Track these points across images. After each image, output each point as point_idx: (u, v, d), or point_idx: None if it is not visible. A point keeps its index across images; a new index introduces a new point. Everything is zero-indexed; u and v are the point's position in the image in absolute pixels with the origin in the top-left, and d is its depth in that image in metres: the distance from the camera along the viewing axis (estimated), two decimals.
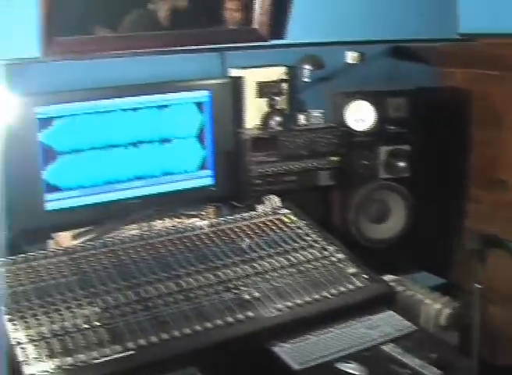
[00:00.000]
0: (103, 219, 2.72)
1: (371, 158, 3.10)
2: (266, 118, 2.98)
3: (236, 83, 2.95)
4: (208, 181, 2.91)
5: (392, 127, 3.12)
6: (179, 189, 2.86)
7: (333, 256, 2.48)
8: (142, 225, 2.71)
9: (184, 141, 2.84)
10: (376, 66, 3.27)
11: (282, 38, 3.02)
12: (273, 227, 2.63)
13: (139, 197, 2.78)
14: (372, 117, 3.09)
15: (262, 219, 2.68)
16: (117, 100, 2.69)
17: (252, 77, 2.98)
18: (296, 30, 3.06)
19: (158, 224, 2.73)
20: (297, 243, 2.54)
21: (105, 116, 2.67)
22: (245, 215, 2.71)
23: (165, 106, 2.78)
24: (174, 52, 2.87)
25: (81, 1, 2.62)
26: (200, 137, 2.87)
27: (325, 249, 2.52)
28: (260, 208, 2.79)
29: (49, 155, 2.59)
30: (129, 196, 2.76)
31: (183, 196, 2.86)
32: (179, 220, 2.76)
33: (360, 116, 3.08)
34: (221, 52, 2.98)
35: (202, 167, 2.89)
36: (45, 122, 2.57)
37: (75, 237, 2.65)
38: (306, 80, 2.94)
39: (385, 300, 2.36)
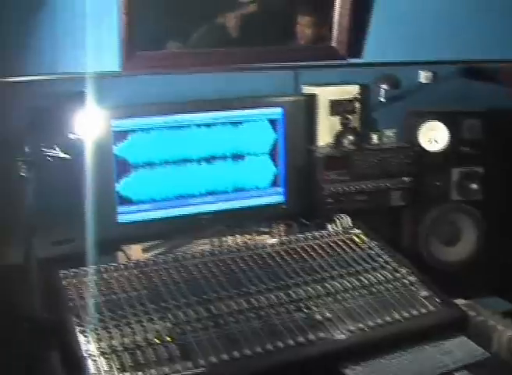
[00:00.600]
0: (174, 234, 2.72)
1: (444, 180, 3.06)
2: (339, 136, 2.96)
3: (309, 101, 2.94)
4: (279, 198, 2.90)
5: (465, 148, 3.08)
6: (250, 205, 2.85)
7: (405, 278, 2.43)
8: (213, 240, 2.70)
9: (256, 158, 2.84)
10: (449, 85, 3.23)
11: (359, 57, 2.99)
12: (344, 247, 2.60)
13: (210, 212, 2.79)
14: (445, 138, 3.05)
15: (333, 239, 2.66)
16: (192, 115, 2.70)
17: (325, 95, 2.97)
18: (370, 49, 3.06)
19: (229, 240, 2.71)
20: (369, 264, 2.50)
21: (179, 131, 2.68)
22: (316, 233, 2.69)
23: (239, 122, 2.78)
24: (249, 69, 2.89)
25: (157, 17, 2.65)
26: (272, 154, 2.86)
27: (397, 271, 2.47)
28: (330, 227, 2.76)
29: (123, 167, 2.61)
30: (201, 211, 2.77)
31: (254, 212, 2.86)
32: (250, 237, 2.74)
33: (434, 136, 3.05)
34: (294, 69, 2.98)
35: (274, 184, 2.88)
36: (120, 135, 2.59)
37: (145, 250, 2.65)
38: (381, 99, 2.89)
39: (458, 325, 2.30)
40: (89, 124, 2.39)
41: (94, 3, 2.50)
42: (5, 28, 2.43)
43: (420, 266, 2.56)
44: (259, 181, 2.86)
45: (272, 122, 2.83)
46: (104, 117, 2.53)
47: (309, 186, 2.89)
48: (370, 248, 2.60)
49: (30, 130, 2.29)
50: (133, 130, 2.61)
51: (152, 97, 2.71)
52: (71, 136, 2.30)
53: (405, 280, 2.42)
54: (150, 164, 2.66)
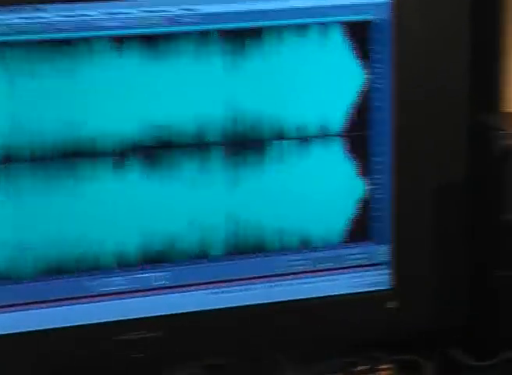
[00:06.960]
0: None
1: None
2: None
3: None
4: (378, 277, 2.04)
5: None
6: (308, 297, 1.98)
7: None
8: None
9: (320, 146, 1.92)
10: None
11: None
12: None
13: (192, 314, 1.95)
14: None
15: None
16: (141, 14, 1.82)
17: None
18: None
19: None
20: None
21: (101, 61, 1.78)
22: None
23: (276, 39, 1.91)
24: None
25: None
26: (352, 137, 1.95)
27: None
28: None
29: None
30: (150, 315, 1.92)
31: (321, 312, 2.01)
32: None
33: None
34: None
35: (354, 233, 1.95)
36: None
37: None
38: None
39: None
40: None
41: None
42: None
43: None
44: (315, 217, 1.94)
45: (357, 37, 1.93)
46: None
47: (477, 239, 2.09)
48: None
49: None
50: None
51: None
52: None
53: None
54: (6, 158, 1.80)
